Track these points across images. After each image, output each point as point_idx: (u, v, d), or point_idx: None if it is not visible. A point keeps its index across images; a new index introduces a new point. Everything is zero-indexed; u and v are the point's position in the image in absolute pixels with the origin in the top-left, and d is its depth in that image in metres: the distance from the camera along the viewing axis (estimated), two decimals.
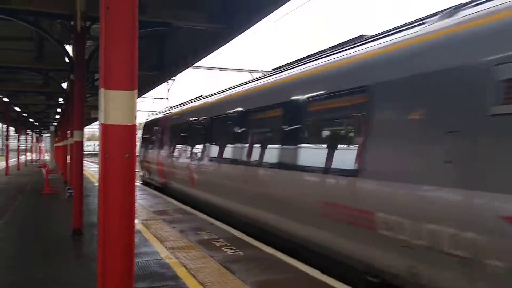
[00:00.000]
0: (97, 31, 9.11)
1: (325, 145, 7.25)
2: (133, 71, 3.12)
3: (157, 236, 8.83)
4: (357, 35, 7.78)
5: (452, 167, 4.70)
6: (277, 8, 8.13)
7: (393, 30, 6.51)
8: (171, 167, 15.83)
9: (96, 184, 20.68)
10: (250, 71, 28.66)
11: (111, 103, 3.07)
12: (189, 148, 13.92)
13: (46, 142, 68.90)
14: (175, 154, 15.36)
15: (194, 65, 16.74)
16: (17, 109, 29.53)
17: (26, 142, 51.48)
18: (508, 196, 4.10)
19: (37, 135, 61.78)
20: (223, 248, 7.82)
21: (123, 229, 3.17)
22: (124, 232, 3.18)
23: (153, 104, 62.03)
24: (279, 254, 7.40)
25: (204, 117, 12.97)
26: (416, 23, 6.05)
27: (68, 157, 16.47)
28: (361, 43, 7.03)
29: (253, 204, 9.18)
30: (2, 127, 62.65)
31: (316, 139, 7.73)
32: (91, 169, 32.40)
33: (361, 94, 6.18)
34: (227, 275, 6.25)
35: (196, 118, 13.82)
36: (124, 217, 3.17)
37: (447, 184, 4.73)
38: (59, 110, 29.32)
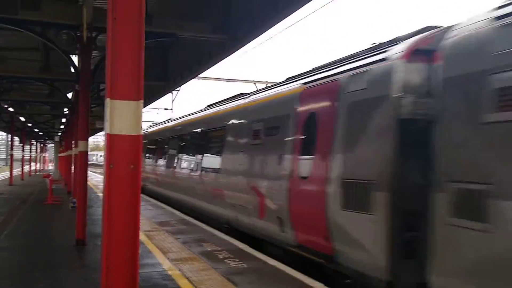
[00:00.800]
0: (103, 41, 9.17)
1: (211, 156, 12.61)
2: (139, 81, 3.12)
3: (160, 248, 8.80)
4: (237, 93, 12.77)
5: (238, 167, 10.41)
6: (280, 20, 8.16)
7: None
8: (145, 173, 21.48)
9: (100, 194, 20.65)
10: (254, 82, 28.71)
11: (116, 113, 3.07)
12: (156, 159, 20.22)
13: (50, 152, 69.11)
14: (148, 163, 21.40)
15: (198, 75, 16.81)
16: (22, 119, 29.64)
17: (30, 152, 51.61)
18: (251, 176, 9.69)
19: (42, 145, 61.96)
20: (226, 260, 7.77)
21: (127, 240, 3.15)
22: (129, 243, 3.16)
23: (158, 114, 62.27)
24: (282, 267, 7.35)
25: (161, 137, 20.27)
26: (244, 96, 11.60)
27: (72, 167, 16.48)
28: (231, 100, 12.39)
29: (181, 192, 15.67)
30: (7, 137, 62.90)
31: (207, 152, 13.11)
32: (95, 179, 32.42)
33: (223, 130, 11.70)
34: (230, 287, 6.20)
35: (157, 137, 21.12)
36: (129, 228, 3.15)
37: (237, 174, 10.30)
38: (64, 120, 29.41)
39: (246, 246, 9.03)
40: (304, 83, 8.16)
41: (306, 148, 7.57)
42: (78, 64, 10.38)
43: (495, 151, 4.48)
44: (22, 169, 37.46)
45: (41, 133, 43.45)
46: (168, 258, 7.89)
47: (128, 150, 3.14)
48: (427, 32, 6.00)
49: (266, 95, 9.99)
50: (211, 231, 10.86)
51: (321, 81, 7.61)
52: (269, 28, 8.66)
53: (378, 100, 6.00)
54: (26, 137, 40.10)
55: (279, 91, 9.27)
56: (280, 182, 8.25)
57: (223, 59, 11.12)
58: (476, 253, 4.53)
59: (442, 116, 5.16)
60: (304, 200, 7.52)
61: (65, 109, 23.21)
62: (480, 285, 4.51)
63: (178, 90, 31.15)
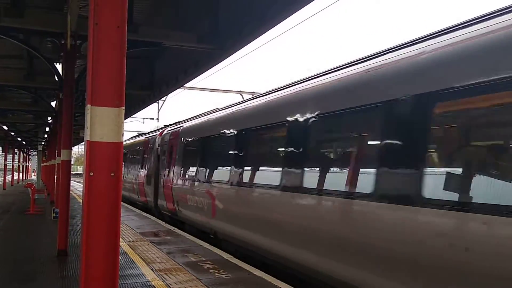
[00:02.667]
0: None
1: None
2: (120, 88, 3.06)
3: (143, 258, 8.67)
4: (214, 108, 14.04)
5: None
6: (267, 30, 8.16)
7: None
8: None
9: None
10: (240, 92, 28.70)
11: (97, 120, 3.00)
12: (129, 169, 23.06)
13: (33, 161, 68.17)
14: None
15: (185, 85, 16.75)
16: (5, 127, 29.23)
17: (13, 161, 50.82)
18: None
19: (25, 154, 61.10)
20: (210, 271, 7.68)
21: (107, 250, 3.07)
22: (109, 253, 3.07)
23: (143, 124, 61.86)
24: (268, 277, 7.27)
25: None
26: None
27: (55, 176, 16.24)
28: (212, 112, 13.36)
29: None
30: None
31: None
32: (79, 189, 32.01)
33: (201, 141, 12.71)
34: None
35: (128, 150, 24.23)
36: (109, 237, 3.07)
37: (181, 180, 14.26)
38: (47, 129, 29.07)
39: (231, 256, 8.94)
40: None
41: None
42: (62, 72, 10.27)
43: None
44: (4, 179, 36.84)
45: (24, 142, 42.87)
46: (152, 269, 7.77)
47: (109, 158, 3.07)
48: (170, 127, 16.71)
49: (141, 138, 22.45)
50: (196, 241, 10.74)
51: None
52: (256, 38, 8.66)
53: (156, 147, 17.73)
54: (8, 146, 39.51)
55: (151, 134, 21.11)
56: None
57: (210, 68, 11.09)
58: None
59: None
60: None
61: (49, 118, 22.94)
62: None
63: (164, 100, 31.05)
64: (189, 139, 13.53)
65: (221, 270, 7.71)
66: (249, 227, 8.74)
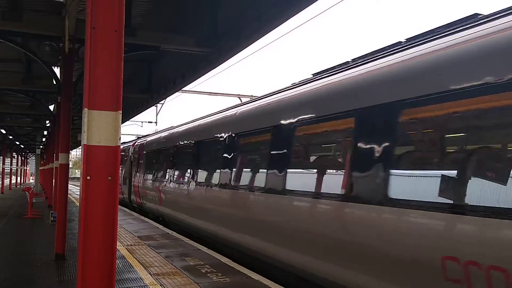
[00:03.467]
0: None
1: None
2: (118, 92, 3.06)
3: (141, 262, 8.65)
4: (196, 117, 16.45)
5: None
6: (265, 34, 8.18)
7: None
8: None
9: None
10: (239, 96, 28.72)
11: (94, 124, 3.00)
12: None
13: (32, 165, 68.00)
14: None
15: (183, 89, 16.76)
16: (3, 131, 29.19)
17: (11, 165, 50.74)
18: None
19: (23, 158, 61.01)
20: (208, 275, 7.66)
21: (104, 252, 3.06)
22: (106, 256, 3.07)
23: (142, 128, 61.93)
24: (266, 281, 7.26)
25: None
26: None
27: (53, 180, 16.22)
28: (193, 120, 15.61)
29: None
30: None
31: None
32: (76, 193, 31.95)
33: (154, 152, 18.18)
34: None
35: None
36: (106, 240, 3.06)
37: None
38: (45, 133, 29.03)
39: (229, 260, 8.92)
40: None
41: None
42: (60, 76, 10.27)
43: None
44: (2, 182, 36.77)
45: (22, 146, 42.82)
46: (150, 273, 7.75)
47: (106, 162, 3.07)
48: (140, 139, 21.86)
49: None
50: (194, 245, 10.72)
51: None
52: (254, 41, 8.68)
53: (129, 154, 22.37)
54: (6, 150, 39.44)
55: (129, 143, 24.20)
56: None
57: (207, 72, 11.10)
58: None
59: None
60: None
61: (47, 122, 22.91)
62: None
63: (163, 103, 31.06)
64: (148, 150, 18.90)
65: (219, 274, 7.69)
66: (180, 210, 13.32)
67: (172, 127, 17.41)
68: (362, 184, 5.32)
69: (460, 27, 5.02)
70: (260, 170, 8.55)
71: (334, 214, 5.95)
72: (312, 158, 7.48)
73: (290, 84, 8.74)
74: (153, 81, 14.97)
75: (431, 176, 4.75)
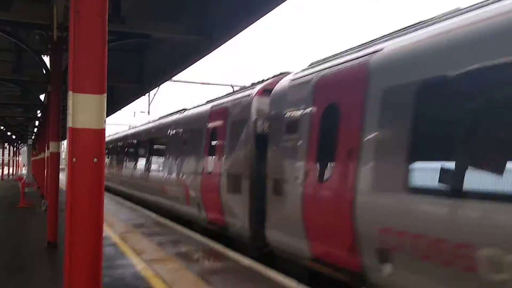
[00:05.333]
0: None
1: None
2: (102, 75, 3.09)
3: (134, 249, 8.71)
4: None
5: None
6: (255, 21, 8.19)
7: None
8: None
9: None
10: (232, 85, 28.68)
11: (79, 106, 3.04)
12: None
13: (24, 155, 67.67)
14: None
15: (175, 79, 16.74)
16: None
17: (3, 155, 50.46)
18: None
19: (15, 148, 60.70)
20: (200, 260, 7.74)
21: (91, 233, 3.11)
22: (92, 237, 3.12)
23: (134, 117, 61.81)
24: (256, 266, 7.36)
25: None
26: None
27: (45, 170, 16.20)
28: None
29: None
30: None
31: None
32: None
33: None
34: (203, 286, 6.18)
35: None
36: (93, 222, 3.11)
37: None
38: (37, 123, 28.92)
39: (221, 246, 9.01)
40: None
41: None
42: (50, 65, 10.24)
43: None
44: None
45: (14, 137, 42.62)
46: (143, 259, 7.82)
47: (91, 144, 3.11)
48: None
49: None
50: (186, 232, 10.80)
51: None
52: (244, 28, 8.67)
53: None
54: None
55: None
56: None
57: (198, 60, 11.09)
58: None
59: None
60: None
61: (38, 112, 22.82)
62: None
63: (156, 93, 30.96)
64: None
65: (211, 260, 7.78)
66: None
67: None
68: None
69: None
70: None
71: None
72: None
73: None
74: (144, 70, 14.95)
75: None
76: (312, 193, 6.62)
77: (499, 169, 4.04)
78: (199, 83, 29.81)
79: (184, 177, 12.26)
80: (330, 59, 7.17)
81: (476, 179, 4.26)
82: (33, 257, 8.28)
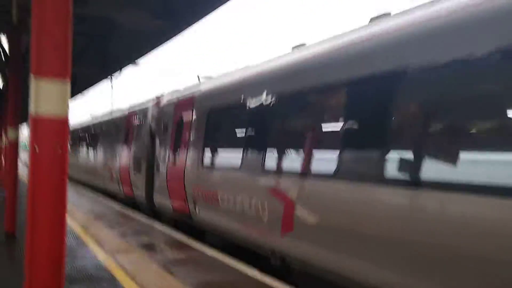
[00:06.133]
0: None
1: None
2: (66, 58, 2.94)
3: (96, 239, 8.53)
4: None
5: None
6: (220, 5, 8.08)
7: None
8: None
9: None
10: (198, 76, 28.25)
11: (42, 92, 2.88)
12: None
13: None
14: None
15: (138, 63, 16.38)
16: None
17: None
18: None
19: None
20: (163, 251, 7.65)
21: (53, 226, 2.99)
22: (55, 229, 3.00)
23: (96, 104, 60.50)
24: (220, 257, 7.33)
25: None
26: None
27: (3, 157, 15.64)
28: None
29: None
30: None
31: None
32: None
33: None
34: (166, 277, 6.11)
35: None
36: (55, 213, 2.98)
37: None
38: None
39: (184, 237, 8.94)
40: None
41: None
42: (8, 47, 9.80)
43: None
44: None
45: None
46: (105, 250, 7.66)
47: (55, 133, 2.96)
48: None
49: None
50: (149, 223, 10.66)
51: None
52: (208, 13, 8.55)
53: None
54: None
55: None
56: None
57: (162, 44, 10.94)
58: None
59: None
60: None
61: None
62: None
63: (117, 78, 30.29)
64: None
65: (174, 250, 7.70)
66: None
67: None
68: None
69: None
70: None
71: None
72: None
73: None
74: (107, 54, 14.54)
75: None
76: (170, 170, 10.64)
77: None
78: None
79: (109, 162, 16.87)
80: (183, 90, 11.21)
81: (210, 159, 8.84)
82: None
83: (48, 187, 2.98)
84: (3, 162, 17.00)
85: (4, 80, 14.72)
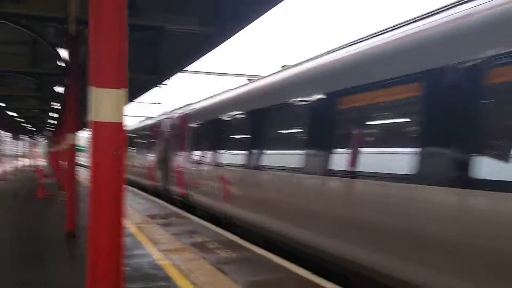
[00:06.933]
0: None
1: None
2: (122, 70, 3.16)
3: (150, 239, 8.86)
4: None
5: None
6: (266, 12, 8.20)
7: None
8: None
9: None
10: (245, 75, 28.55)
11: (100, 101, 3.12)
12: None
13: (41, 147, 68.66)
14: None
15: (187, 69, 16.81)
16: (13, 113, 29.42)
17: (21, 147, 51.24)
18: None
19: (33, 140, 61.57)
20: (216, 250, 7.85)
21: (113, 224, 3.21)
22: (114, 227, 3.22)
23: (147, 109, 62.34)
24: (270, 255, 7.45)
25: None
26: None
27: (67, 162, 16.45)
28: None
29: None
30: None
31: None
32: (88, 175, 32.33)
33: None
34: (219, 275, 6.29)
35: None
36: (114, 212, 3.21)
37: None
38: (56, 115, 29.24)
39: (236, 237, 9.12)
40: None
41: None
42: (68, 58, 10.34)
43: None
44: (13, 165, 37.22)
45: (31, 128, 43.19)
46: (159, 249, 7.95)
47: (112, 137, 3.20)
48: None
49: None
50: (202, 223, 10.93)
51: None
52: (255, 19, 8.69)
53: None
54: (15, 132, 39.82)
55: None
56: None
57: (210, 51, 11.16)
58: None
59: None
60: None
61: (53, 103, 23.03)
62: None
63: (167, 84, 31.04)
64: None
65: (226, 250, 7.89)
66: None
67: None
68: None
69: None
70: None
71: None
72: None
73: None
74: (158, 61, 15.01)
75: None
76: (176, 165, 14.95)
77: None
78: (211, 73, 29.77)
79: (143, 162, 21.25)
80: (183, 107, 16.33)
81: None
82: (53, 246, 8.47)
83: (107, 184, 3.22)
84: (61, 166, 17.88)
85: (65, 89, 15.50)
